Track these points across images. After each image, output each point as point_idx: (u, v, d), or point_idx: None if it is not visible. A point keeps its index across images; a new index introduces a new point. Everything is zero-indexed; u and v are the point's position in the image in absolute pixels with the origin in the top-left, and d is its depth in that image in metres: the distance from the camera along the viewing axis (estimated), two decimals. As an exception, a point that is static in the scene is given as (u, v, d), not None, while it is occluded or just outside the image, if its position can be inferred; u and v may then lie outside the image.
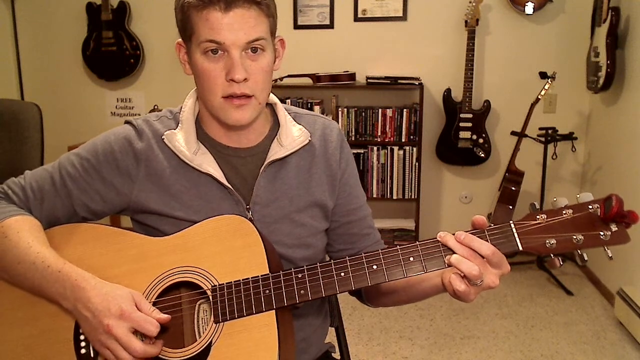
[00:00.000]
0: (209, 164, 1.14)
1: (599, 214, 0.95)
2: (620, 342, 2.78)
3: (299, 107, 1.30)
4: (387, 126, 3.70)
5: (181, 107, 1.19)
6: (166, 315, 1.02)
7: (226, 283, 1.04)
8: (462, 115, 3.62)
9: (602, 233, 0.95)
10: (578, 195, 0.98)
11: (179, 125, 1.16)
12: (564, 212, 0.97)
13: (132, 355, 0.98)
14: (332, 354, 1.38)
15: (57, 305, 1.06)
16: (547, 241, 0.97)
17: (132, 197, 1.15)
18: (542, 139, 3.48)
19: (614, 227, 0.95)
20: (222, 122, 1.13)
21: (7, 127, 2.03)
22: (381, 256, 1.01)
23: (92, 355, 1.06)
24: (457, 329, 2.95)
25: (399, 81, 3.63)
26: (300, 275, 1.03)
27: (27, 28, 4.14)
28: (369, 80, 3.68)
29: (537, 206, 1.00)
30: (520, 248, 0.98)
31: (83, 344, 1.06)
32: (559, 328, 2.94)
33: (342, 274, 1.02)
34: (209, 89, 1.08)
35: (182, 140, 1.14)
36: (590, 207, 0.96)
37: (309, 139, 1.19)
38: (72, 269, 1.03)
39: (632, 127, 3.04)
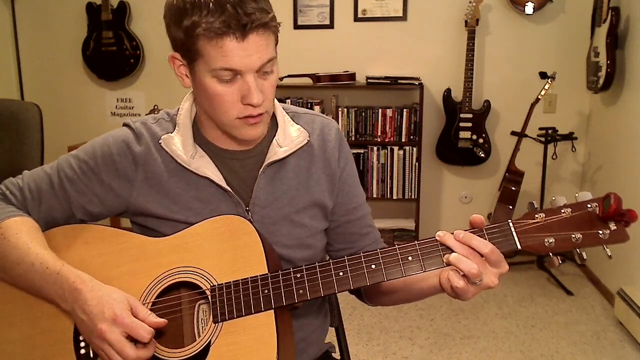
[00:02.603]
0: (206, 167, 1.13)
1: (597, 212, 0.95)
2: (620, 342, 2.78)
3: (298, 107, 1.29)
4: (387, 126, 3.70)
5: (178, 109, 1.19)
6: (162, 320, 1.01)
7: (225, 283, 1.04)
8: (462, 115, 3.62)
9: (600, 232, 0.95)
10: (577, 194, 0.98)
11: (176, 128, 1.16)
12: (562, 210, 0.97)
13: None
14: (332, 353, 1.37)
15: (56, 306, 1.06)
16: (546, 240, 0.97)
17: (131, 200, 1.15)
18: (542, 139, 3.48)
19: (612, 226, 0.95)
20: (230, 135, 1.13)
21: (7, 127, 2.03)
22: (380, 256, 1.01)
23: (91, 355, 1.06)
24: (457, 329, 2.95)
25: (399, 81, 3.63)
26: (298, 275, 1.03)
27: (27, 28, 4.14)
28: (369, 80, 3.68)
29: (536, 205, 1.00)
30: (519, 247, 0.98)
31: (82, 344, 1.06)
32: (559, 328, 2.94)
33: (341, 274, 1.02)
34: (222, 111, 1.06)
35: (179, 144, 1.13)
36: (588, 205, 0.96)
37: (308, 139, 1.19)
38: (71, 270, 1.03)
39: (632, 127, 3.04)
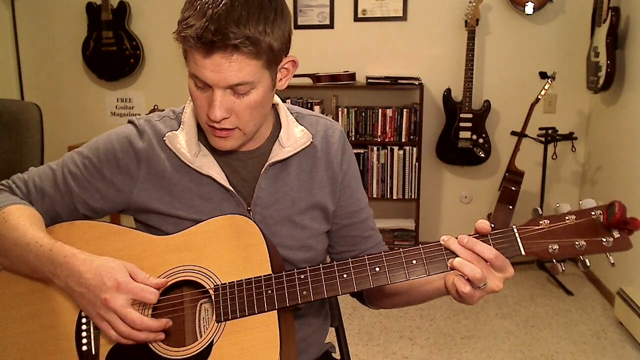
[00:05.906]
0: (209, 166, 1.14)
1: (601, 220, 0.95)
2: (620, 342, 2.79)
3: (303, 108, 1.29)
4: (387, 126, 3.70)
5: (184, 107, 1.20)
6: (162, 280, 1.03)
7: (229, 282, 1.05)
8: (462, 115, 3.63)
9: (604, 239, 0.95)
10: (580, 202, 0.98)
11: (181, 126, 1.16)
12: (566, 217, 0.97)
13: (131, 326, 0.99)
14: (332, 354, 1.38)
15: (50, 284, 1.06)
16: (550, 246, 0.97)
17: (133, 197, 1.15)
18: (542, 139, 3.48)
19: (616, 234, 0.95)
20: None
21: (7, 127, 2.03)
22: (384, 258, 1.01)
23: (93, 352, 1.06)
24: (457, 329, 2.96)
25: (399, 81, 3.63)
26: (302, 276, 1.03)
27: (27, 28, 4.13)
28: (369, 80, 3.68)
29: (540, 211, 1.00)
30: (523, 253, 0.98)
31: (85, 340, 1.07)
32: (559, 328, 2.95)
33: (345, 276, 1.02)
34: (197, 113, 1.08)
35: (183, 142, 1.14)
36: (593, 213, 0.97)
37: (311, 140, 1.19)
38: (63, 246, 1.04)
39: (632, 127, 3.04)
